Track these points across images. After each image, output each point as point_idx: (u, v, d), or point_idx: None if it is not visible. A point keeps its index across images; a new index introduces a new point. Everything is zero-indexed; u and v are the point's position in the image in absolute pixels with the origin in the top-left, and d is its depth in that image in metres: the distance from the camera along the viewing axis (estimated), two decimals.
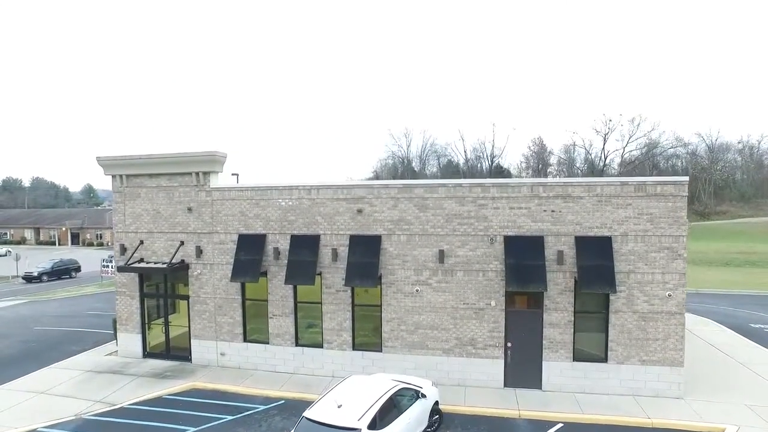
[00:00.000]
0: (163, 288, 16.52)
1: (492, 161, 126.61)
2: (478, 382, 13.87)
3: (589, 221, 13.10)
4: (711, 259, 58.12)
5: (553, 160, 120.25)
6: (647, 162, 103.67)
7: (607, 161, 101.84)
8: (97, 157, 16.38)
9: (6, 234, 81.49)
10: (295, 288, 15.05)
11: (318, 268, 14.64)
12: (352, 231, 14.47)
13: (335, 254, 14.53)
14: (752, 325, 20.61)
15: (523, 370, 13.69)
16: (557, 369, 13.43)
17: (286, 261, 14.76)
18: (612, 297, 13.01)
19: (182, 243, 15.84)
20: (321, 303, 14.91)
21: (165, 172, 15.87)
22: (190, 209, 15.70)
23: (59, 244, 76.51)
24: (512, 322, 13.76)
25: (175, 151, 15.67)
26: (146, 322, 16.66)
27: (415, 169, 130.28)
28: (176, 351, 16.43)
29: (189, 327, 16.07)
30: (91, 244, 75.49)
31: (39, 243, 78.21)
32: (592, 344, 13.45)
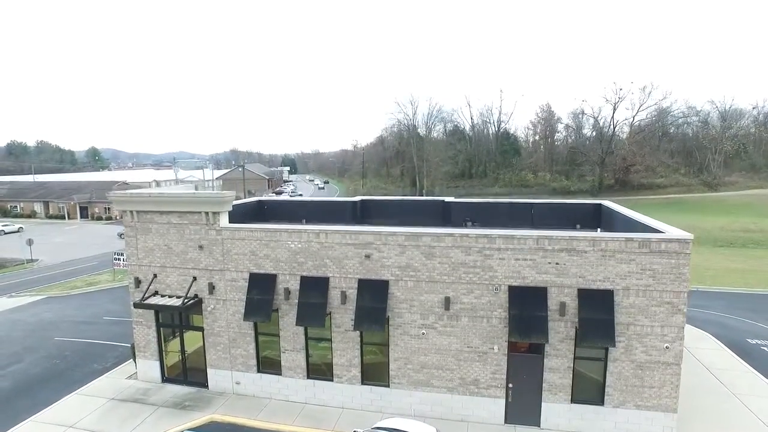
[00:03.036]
0: (178, 319, 17.14)
1: (499, 127, 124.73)
2: (480, 419, 14.63)
3: (593, 274, 13.36)
4: (715, 237, 58.38)
5: (560, 127, 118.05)
6: (657, 129, 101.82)
7: (616, 130, 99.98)
8: (108, 194, 16.60)
9: (16, 207, 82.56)
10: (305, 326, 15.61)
11: (328, 309, 15.14)
12: (361, 275, 14.84)
13: (344, 296, 14.98)
14: (749, 340, 21.15)
15: (524, 409, 14.40)
16: (556, 410, 14.13)
17: (297, 301, 15.27)
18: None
19: (195, 279, 16.31)
20: (331, 340, 15.53)
21: (174, 210, 16.12)
22: (201, 247, 16.05)
23: (69, 218, 77.56)
24: (514, 365, 14.34)
25: (184, 191, 15.84)
26: (163, 349, 17.43)
27: (421, 134, 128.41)
28: (193, 374, 17.24)
29: (205, 356, 16.81)
30: (99, 218, 76.50)
31: (49, 217, 79.32)
32: (590, 388, 14.04)
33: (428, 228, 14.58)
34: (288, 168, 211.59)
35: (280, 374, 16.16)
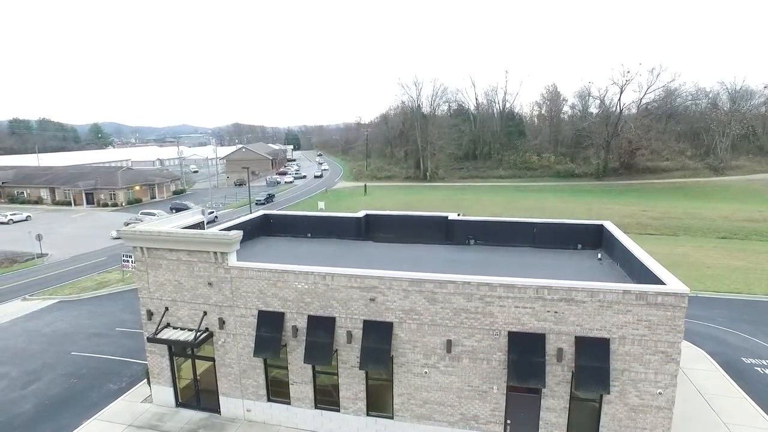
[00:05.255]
0: (190, 350, 17.75)
1: (504, 107, 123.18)
2: None
3: (590, 323, 13.79)
4: (718, 227, 58.48)
5: (566, 108, 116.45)
6: (664, 112, 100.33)
7: (623, 112, 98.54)
8: (118, 231, 17.00)
9: (23, 193, 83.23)
10: None
11: (334, 347, 15.71)
12: (366, 316, 15.33)
13: (350, 336, 15.52)
14: (744, 359, 21.70)
15: None
16: None
17: (304, 338, 15.84)
18: None
19: (205, 313, 16.86)
20: (338, 375, 16.17)
21: (183, 249, 16.52)
22: (210, 284, 16.53)
23: (75, 204, 78.23)
24: (512, 404, 14.97)
25: (192, 231, 16.20)
26: (176, 376, 18.16)
27: (425, 113, 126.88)
28: (206, 399, 18.00)
29: (216, 385, 17.54)
30: (105, 205, 77.10)
31: (55, 203, 80.00)
32: (585, 427, 14.68)
33: (431, 274, 14.93)
34: (291, 146, 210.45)
35: (289, 404, 16.91)
